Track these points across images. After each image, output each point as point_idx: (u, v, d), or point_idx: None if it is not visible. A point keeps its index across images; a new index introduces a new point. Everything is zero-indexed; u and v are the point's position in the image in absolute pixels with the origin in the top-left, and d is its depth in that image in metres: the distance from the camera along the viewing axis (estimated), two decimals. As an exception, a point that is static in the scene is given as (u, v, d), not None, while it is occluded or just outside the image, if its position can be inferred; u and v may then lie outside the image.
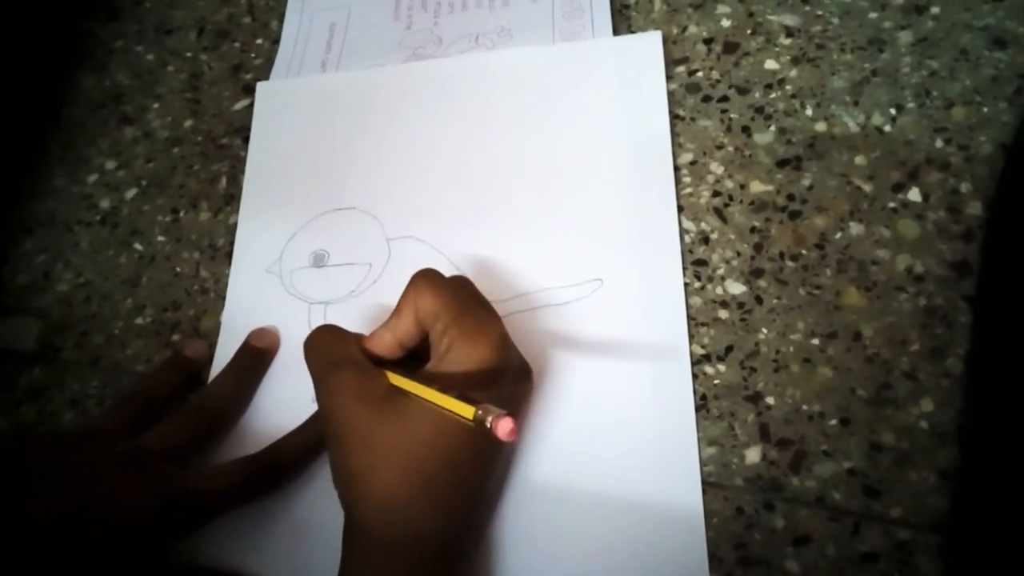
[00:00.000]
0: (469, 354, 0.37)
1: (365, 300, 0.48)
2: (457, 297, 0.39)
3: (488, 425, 0.32)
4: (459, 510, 0.37)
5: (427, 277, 0.39)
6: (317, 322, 0.48)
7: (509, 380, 0.39)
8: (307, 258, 0.50)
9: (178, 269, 0.53)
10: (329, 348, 0.40)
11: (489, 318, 0.39)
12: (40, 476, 0.39)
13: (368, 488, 0.36)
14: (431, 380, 0.36)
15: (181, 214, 0.55)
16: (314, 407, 0.45)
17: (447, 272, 0.47)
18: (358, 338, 0.41)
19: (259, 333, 0.48)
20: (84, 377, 0.51)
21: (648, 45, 0.51)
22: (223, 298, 0.51)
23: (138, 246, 0.55)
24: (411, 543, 0.35)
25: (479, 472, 0.38)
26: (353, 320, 0.47)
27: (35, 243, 0.58)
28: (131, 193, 0.57)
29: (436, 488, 0.36)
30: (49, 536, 0.37)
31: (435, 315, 0.38)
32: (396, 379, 0.38)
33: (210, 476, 0.42)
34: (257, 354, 0.48)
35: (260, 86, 0.58)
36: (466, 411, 0.33)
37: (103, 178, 0.59)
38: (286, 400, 0.46)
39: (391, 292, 0.47)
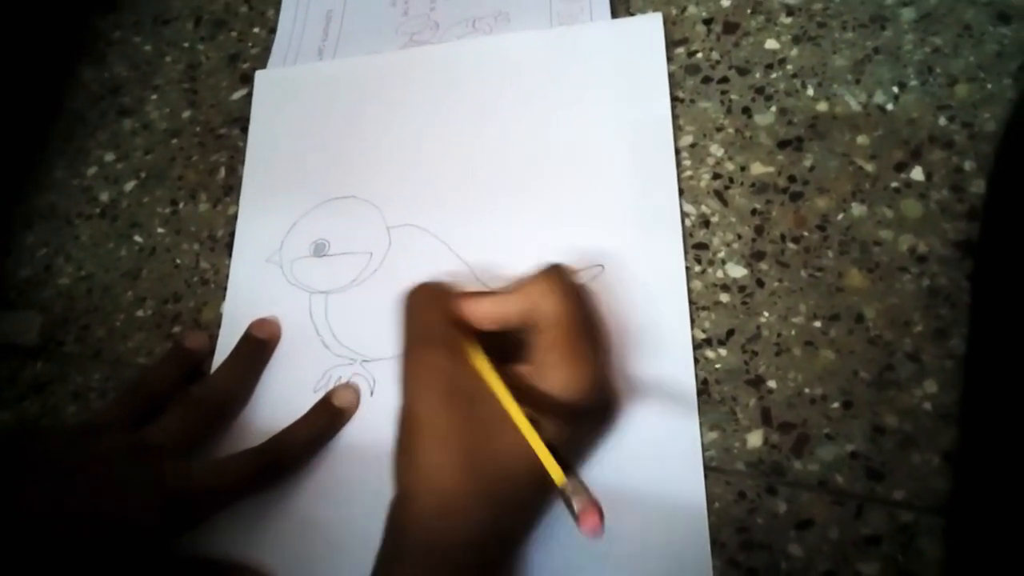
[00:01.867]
0: (567, 382, 0.36)
1: (367, 289, 0.48)
2: (581, 312, 0.37)
3: (574, 508, 0.31)
4: (515, 532, 0.37)
5: (562, 279, 0.37)
6: (318, 312, 0.48)
7: (592, 421, 0.38)
8: (308, 247, 0.50)
9: (178, 261, 0.53)
10: (427, 319, 0.38)
11: (599, 350, 0.38)
12: (44, 471, 0.39)
13: (431, 486, 0.35)
14: (519, 386, 0.35)
15: (180, 205, 0.55)
16: (316, 397, 0.45)
17: (448, 263, 0.47)
18: (457, 295, 0.39)
19: (260, 323, 0.48)
20: (86, 370, 0.51)
21: (648, 27, 0.50)
22: (224, 289, 0.51)
23: (138, 238, 0.55)
24: (461, 553, 0.34)
25: (542, 500, 0.38)
26: (355, 310, 0.47)
27: (36, 237, 0.58)
28: (130, 185, 0.57)
29: (497, 505, 0.35)
30: (53, 531, 0.37)
31: (554, 323, 0.36)
32: (485, 368, 0.36)
33: (213, 469, 0.42)
34: (259, 345, 0.47)
35: (258, 75, 0.57)
36: (557, 475, 0.32)
37: (102, 170, 0.58)
38: (288, 391, 0.46)
39: (392, 281, 0.47)
